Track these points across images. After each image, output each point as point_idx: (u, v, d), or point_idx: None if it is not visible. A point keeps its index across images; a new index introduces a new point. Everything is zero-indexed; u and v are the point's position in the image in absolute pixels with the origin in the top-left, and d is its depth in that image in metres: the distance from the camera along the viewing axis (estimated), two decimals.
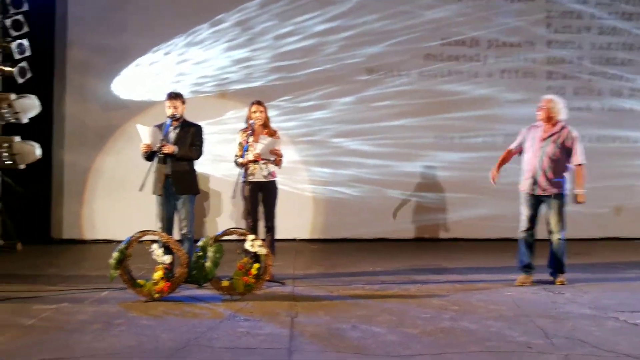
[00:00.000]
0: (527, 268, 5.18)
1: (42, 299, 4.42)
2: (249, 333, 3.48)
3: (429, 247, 8.01)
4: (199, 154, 5.14)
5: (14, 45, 7.53)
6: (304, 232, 8.37)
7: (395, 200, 8.54)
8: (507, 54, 8.75)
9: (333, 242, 8.32)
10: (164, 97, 5.23)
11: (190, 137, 5.09)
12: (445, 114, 8.63)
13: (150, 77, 8.38)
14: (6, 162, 7.45)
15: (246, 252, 4.58)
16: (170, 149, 4.92)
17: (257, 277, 4.48)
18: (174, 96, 5.11)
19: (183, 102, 5.13)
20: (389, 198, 8.54)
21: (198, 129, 5.18)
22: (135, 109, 8.11)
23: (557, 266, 5.19)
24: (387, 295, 4.69)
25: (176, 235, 5.01)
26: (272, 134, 5.30)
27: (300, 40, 8.50)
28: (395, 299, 4.55)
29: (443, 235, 8.60)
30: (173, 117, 5.04)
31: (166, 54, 8.46)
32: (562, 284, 5.10)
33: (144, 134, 4.89)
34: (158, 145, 4.87)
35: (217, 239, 4.54)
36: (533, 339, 3.49)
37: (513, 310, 4.22)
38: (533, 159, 5.08)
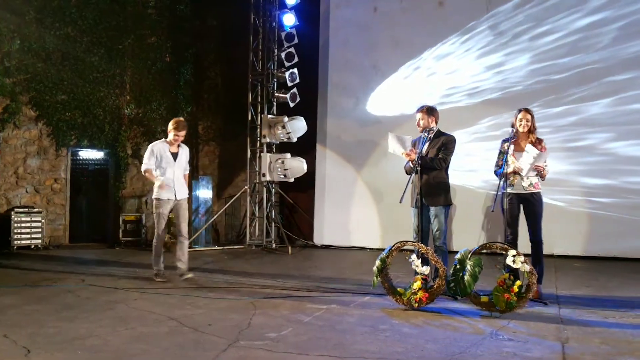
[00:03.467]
0: None
1: (314, 299, 4.93)
2: (516, 354, 3.31)
3: None
4: (442, 164, 5.07)
5: (287, 74, 8.70)
6: (563, 247, 7.66)
7: None
8: None
9: (599, 260, 7.43)
10: (414, 111, 5.38)
11: (437, 148, 5.11)
12: None
13: (402, 92, 8.71)
14: (280, 176, 8.59)
15: (507, 267, 4.39)
16: (410, 156, 5.02)
17: (520, 295, 4.24)
18: (418, 110, 5.23)
19: (429, 115, 5.17)
20: None
21: (448, 139, 5.16)
22: (387, 124, 8.50)
23: None
24: None
25: (429, 246, 5.06)
26: (536, 143, 4.97)
27: (559, 39, 7.85)
28: None
29: None
30: (423, 130, 5.15)
31: (416, 68, 8.70)
32: None
33: (392, 141, 5.10)
34: (400, 152, 5.04)
35: (476, 253, 4.46)
36: None
37: None
38: None
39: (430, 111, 5.21)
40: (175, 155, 5.96)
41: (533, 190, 4.94)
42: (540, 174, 4.93)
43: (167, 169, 5.88)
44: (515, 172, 4.90)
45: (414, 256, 4.61)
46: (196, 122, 10.13)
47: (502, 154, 5.03)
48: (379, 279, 4.63)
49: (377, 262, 4.62)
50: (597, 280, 6.08)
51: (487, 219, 7.94)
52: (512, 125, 5.05)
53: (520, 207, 4.98)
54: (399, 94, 8.74)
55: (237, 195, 8.97)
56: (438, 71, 8.58)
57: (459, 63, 8.44)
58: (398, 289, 4.61)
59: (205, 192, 9.49)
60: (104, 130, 9.19)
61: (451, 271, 4.48)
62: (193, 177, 9.89)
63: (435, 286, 4.47)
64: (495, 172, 5.09)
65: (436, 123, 5.21)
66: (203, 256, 8.19)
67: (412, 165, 5.05)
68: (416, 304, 4.44)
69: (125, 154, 9.36)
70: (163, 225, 5.88)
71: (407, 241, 4.67)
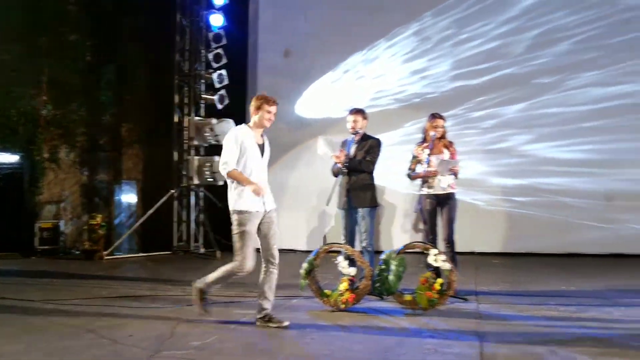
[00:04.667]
0: None
1: (241, 304, 4.86)
2: (437, 351, 3.42)
3: (630, 263, 7.10)
4: (370, 166, 5.16)
5: (215, 76, 8.55)
6: (483, 245, 8.01)
7: (585, 211, 7.76)
8: None
9: (516, 256, 7.83)
10: (344, 113, 5.44)
11: (365, 150, 5.20)
12: None
13: (331, 96, 8.80)
14: (208, 180, 8.44)
15: (429, 266, 4.53)
16: (339, 159, 5.06)
17: (441, 292, 4.39)
18: (354, 112, 5.28)
19: (364, 117, 5.25)
20: (577, 209, 7.80)
21: (374, 142, 5.25)
22: (317, 127, 8.58)
23: None
24: (587, 319, 4.25)
25: (357, 247, 5.15)
26: (448, 146, 5.20)
27: (478, 45, 8.22)
28: (596, 323, 4.10)
29: None
30: (354, 132, 5.22)
31: (345, 71, 8.83)
32: None
33: (322, 144, 5.15)
34: (330, 155, 5.09)
35: (400, 253, 4.56)
36: None
37: None
38: None
39: (364, 114, 5.30)
40: (262, 149, 4.24)
41: (450, 190, 5.15)
42: (454, 173, 5.13)
43: (254, 168, 4.12)
44: (434, 174, 5.08)
45: (340, 258, 4.67)
46: (119, 124, 9.76)
47: (415, 158, 5.21)
48: (306, 281, 4.64)
49: (305, 265, 4.63)
50: (514, 276, 6.40)
51: (412, 220, 8.16)
52: (425, 131, 5.25)
53: (437, 208, 5.16)
54: (328, 97, 8.83)
55: (163, 200, 8.70)
56: (367, 75, 8.75)
57: (386, 67, 8.65)
58: (325, 290, 4.64)
59: (129, 197, 9.17)
60: (17, 132, 8.64)
61: (377, 271, 4.57)
62: (115, 182, 9.52)
63: (361, 287, 4.53)
64: (409, 175, 5.27)
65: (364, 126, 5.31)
66: (126, 263, 7.90)
67: (340, 167, 5.10)
68: (343, 305, 4.49)
69: (42, 158, 8.84)
70: (252, 249, 4.04)
71: (334, 243, 4.72)
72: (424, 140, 5.25)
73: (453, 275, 4.44)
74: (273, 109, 4.20)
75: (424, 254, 4.63)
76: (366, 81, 8.73)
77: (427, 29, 8.48)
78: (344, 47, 8.81)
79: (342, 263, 4.63)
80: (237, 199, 4.05)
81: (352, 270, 4.60)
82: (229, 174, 4.05)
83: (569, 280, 5.98)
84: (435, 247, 4.66)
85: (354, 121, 5.20)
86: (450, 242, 5.17)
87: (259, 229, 4.10)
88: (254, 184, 4.00)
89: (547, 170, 7.95)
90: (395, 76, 8.60)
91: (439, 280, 4.42)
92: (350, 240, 5.13)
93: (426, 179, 5.10)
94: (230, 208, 4.10)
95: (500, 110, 8.12)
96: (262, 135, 4.27)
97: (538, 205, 7.93)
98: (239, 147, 4.07)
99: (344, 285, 4.53)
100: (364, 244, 5.14)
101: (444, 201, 5.16)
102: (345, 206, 5.09)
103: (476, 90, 8.17)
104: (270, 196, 4.21)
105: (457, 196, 5.28)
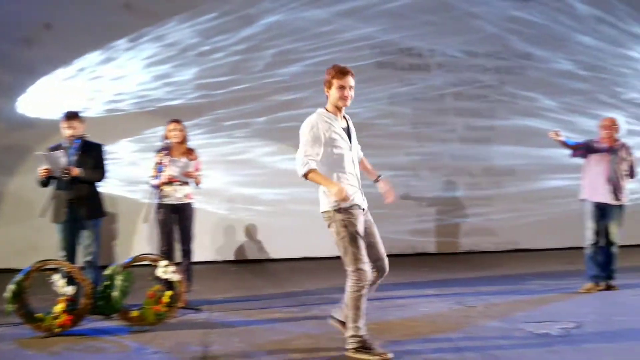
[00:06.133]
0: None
1: None
2: None
3: None
4: (103, 175, 4.86)
5: None
6: (223, 253, 8.18)
7: (315, 218, 8.51)
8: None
9: (255, 263, 8.17)
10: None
11: (93, 159, 4.82)
12: (368, 131, 8.81)
13: (62, 94, 7.94)
14: None
15: (158, 279, 4.38)
16: (75, 171, 4.64)
17: (170, 305, 4.28)
18: (71, 116, 4.82)
19: (82, 122, 4.86)
20: (309, 216, 8.49)
21: (101, 150, 4.93)
22: (44, 128, 7.58)
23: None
24: (306, 317, 4.63)
25: (80, 262, 4.71)
26: (189, 153, 5.17)
27: (223, 57, 8.39)
28: (314, 321, 4.49)
29: None
30: (72, 138, 4.78)
31: (80, 69, 8.08)
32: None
33: (43, 159, 4.61)
34: (60, 168, 4.57)
35: (127, 266, 4.31)
36: (446, 355, 3.54)
37: (429, 326, 4.29)
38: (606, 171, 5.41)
39: (82, 118, 4.89)
40: (348, 132, 3.53)
41: (187, 200, 5.10)
42: (195, 181, 5.12)
43: (345, 158, 3.46)
44: (170, 182, 4.96)
45: (56, 276, 4.18)
46: None
47: (158, 165, 5.06)
48: (14, 305, 4.04)
49: (11, 287, 4.04)
50: (249, 282, 6.63)
51: (150, 231, 7.86)
52: (166, 137, 5.15)
53: (173, 218, 5.07)
54: (58, 95, 7.93)
55: None
56: (104, 75, 8.14)
57: (126, 69, 8.19)
58: (37, 315, 4.11)
59: None
60: None
61: (100, 288, 4.23)
62: None
63: (80, 306, 4.14)
64: (150, 184, 5.08)
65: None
66: None
67: (60, 176, 4.60)
68: (59, 329, 4.03)
69: None
70: (365, 253, 3.38)
71: (48, 260, 4.21)
72: (165, 147, 5.11)
73: (183, 286, 4.37)
74: (347, 81, 3.44)
75: (154, 266, 4.46)
76: (104, 82, 8.13)
77: (171, 35, 8.33)
78: (81, 43, 8.06)
79: (58, 282, 4.15)
80: (334, 197, 3.31)
81: (70, 289, 4.17)
82: (308, 172, 3.34)
83: (299, 282, 6.46)
84: (165, 258, 4.53)
85: (73, 127, 4.76)
86: (186, 252, 5.13)
87: None
88: (337, 185, 3.26)
89: (283, 181, 8.51)
90: (136, 80, 8.21)
91: (168, 293, 4.30)
92: (71, 256, 4.67)
93: (162, 188, 4.96)
94: (328, 207, 3.41)
95: (242, 122, 8.39)
96: (344, 117, 3.54)
97: (275, 214, 8.43)
98: (321, 137, 3.39)
99: (59, 307, 4.07)
100: (88, 258, 4.74)
101: (180, 211, 5.09)
102: (64, 218, 4.62)
103: (220, 101, 8.31)
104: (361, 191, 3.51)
105: (199, 205, 5.25)
